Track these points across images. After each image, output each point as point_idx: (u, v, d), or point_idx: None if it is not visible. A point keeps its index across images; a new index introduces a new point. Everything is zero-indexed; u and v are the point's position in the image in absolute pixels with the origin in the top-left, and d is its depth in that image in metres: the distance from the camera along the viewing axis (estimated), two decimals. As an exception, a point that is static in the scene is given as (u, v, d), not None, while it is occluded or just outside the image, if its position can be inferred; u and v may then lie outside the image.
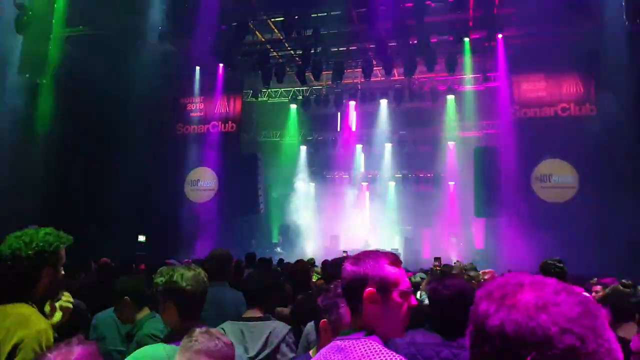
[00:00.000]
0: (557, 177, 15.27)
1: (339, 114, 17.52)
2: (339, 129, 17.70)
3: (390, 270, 1.62)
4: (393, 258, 1.67)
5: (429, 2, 13.73)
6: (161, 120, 16.59)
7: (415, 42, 14.68)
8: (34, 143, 12.80)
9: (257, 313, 2.89)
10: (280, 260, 11.01)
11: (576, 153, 14.49)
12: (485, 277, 6.30)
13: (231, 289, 3.73)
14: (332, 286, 2.12)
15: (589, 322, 0.77)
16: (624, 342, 2.95)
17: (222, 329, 2.70)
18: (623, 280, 6.27)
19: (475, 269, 6.54)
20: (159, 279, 2.18)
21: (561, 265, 3.76)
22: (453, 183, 17.46)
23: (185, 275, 2.17)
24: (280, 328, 2.79)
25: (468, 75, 15.99)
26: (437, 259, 11.35)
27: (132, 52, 14.40)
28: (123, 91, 14.24)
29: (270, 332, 2.76)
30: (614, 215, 12.95)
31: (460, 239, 17.09)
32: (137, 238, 16.40)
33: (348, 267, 1.65)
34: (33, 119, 12.93)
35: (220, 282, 3.65)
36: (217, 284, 3.53)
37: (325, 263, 5.63)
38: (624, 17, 12.34)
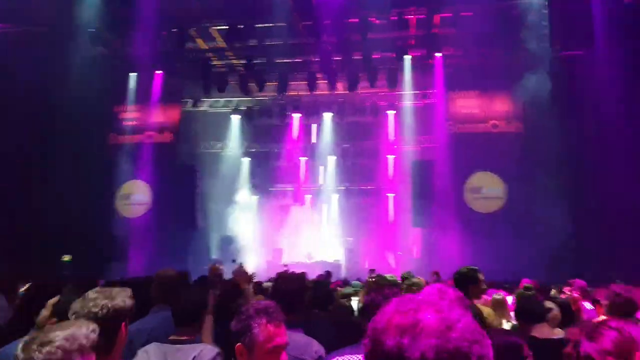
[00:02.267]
0: (487, 189, 16.26)
1: (283, 125, 17.30)
2: (282, 142, 17.46)
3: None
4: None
5: (372, 19, 14.09)
6: (92, 129, 15.32)
7: (359, 57, 14.98)
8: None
9: (183, 335, 2.72)
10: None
11: (504, 167, 15.58)
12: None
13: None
14: (243, 308, 2.09)
15: (480, 329, 0.88)
16: (537, 341, 3.27)
17: (146, 351, 2.54)
18: (525, 285, 6.84)
19: (412, 277, 6.66)
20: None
21: (475, 273, 3.90)
22: (393, 195, 17.93)
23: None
24: (207, 351, 2.60)
25: (408, 91, 16.58)
26: (371, 270, 11.55)
27: (61, 54, 13.22)
28: (51, 95, 13.03)
29: (195, 357, 2.56)
30: (536, 224, 14.09)
31: (398, 249, 17.56)
32: (62, 257, 14.97)
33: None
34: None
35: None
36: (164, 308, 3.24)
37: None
38: (549, 44, 13.58)
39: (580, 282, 6.18)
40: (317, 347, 2.73)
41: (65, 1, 12.29)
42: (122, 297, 2.07)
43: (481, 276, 3.88)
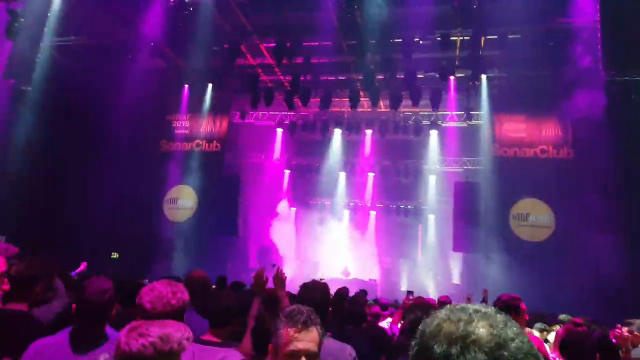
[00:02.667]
0: (534, 217, 15.56)
1: (324, 140, 17.64)
2: (323, 156, 17.78)
3: None
4: None
5: (417, 39, 14.16)
6: (145, 136, 16.47)
7: (402, 76, 15.04)
8: (13, 150, 12.53)
9: (214, 337, 2.79)
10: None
11: (553, 194, 14.89)
12: None
13: (197, 316, 3.45)
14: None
15: (536, 351, 0.84)
16: None
17: None
18: (574, 320, 6.30)
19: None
20: None
21: (517, 302, 3.80)
22: (433, 216, 17.62)
23: None
24: (231, 357, 2.65)
25: (452, 111, 16.39)
26: (409, 292, 11.12)
27: (122, 65, 14.41)
28: (109, 103, 14.16)
29: None
30: (587, 256, 13.27)
31: (438, 273, 17.14)
32: (111, 254, 16.00)
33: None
34: (14, 125, 12.70)
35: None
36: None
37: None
38: (601, 67, 12.97)
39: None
40: (350, 350, 2.81)
41: (127, 18, 13.41)
42: None
43: (523, 306, 3.80)
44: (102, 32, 13.52)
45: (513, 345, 0.81)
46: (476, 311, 0.87)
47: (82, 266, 8.55)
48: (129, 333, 1.67)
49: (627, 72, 12.77)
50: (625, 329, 5.90)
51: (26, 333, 2.67)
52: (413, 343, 0.89)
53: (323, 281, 10.01)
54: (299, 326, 1.97)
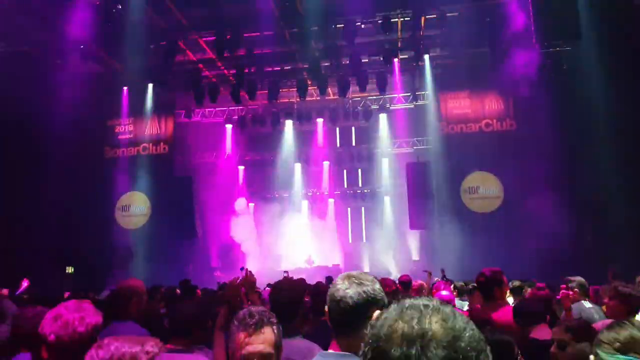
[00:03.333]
0: (484, 189, 16.16)
1: (276, 133, 17.48)
2: (276, 149, 17.63)
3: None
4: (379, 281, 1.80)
5: (359, 24, 14.16)
6: (87, 143, 15.66)
7: (348, 62, 15.06)
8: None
9: (177, 343, 2.78)
10: (220, 285, 10.69)
11: (500, 165, 15.51)
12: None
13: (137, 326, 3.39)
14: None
15: (484, 338, 0.87)
16: (538, 342, 3.23)
17: None
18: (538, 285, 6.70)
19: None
20: None
21: (500, 276, 3.96)
22: (388, 197, 17.95)
23: None
24: None
25: (398, 94, 16.62)
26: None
27: (52, 71, 13.56)
28: (44, 113, 13.33)
29: None
30: (534, 222, 13.97)
31: (397, 252, 17.55)
32: (65, 269, 15.31)
33: (356, 288, 1.71)
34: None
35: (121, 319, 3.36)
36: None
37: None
38: (534, 40, 13.49)
39: (579, 278, 5.98)
40: (319, 349, 2.81)
41: (53, 21, 12.57)
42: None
43: (505, 279, 3.97)
44: (26, 38, 12.61)
45: (467, 334, 0.83)
46: (425, 306, 0.87)
47: (25, 283, 8.10)
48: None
49: (557, 43, 13.31)
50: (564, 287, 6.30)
51: None
52: (366, 348, 0.87)
53: (287, 273, 9.94)
54: (250, 329, 1.97)
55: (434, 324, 0.83)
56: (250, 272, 3.64)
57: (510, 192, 15.54)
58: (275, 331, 2.01)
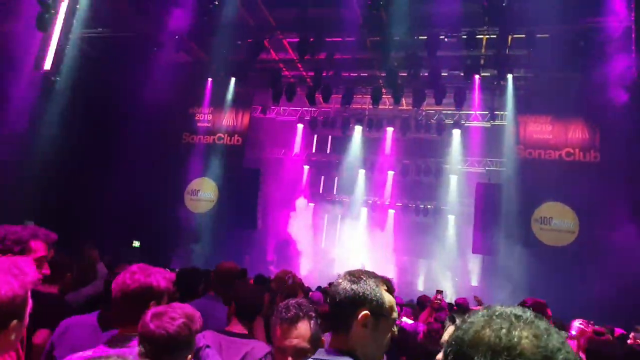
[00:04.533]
0: (557, 221, 15.21)
1: (345, 137, 17.59)
2: (343, 153, 17.73)
3: (387, 296, 1.65)
4: (390, 284, 1.71)
5: (442, 37, 13.94)
6: (169, 128, 16.72)
7: (426, 74, 14.85)
8: (40, 139, 12.91)
9: (239, 328, 2.82)
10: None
11: (578, 198, 14.52)
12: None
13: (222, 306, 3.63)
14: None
15: None
16: None
17: (204, 336, 2.62)
18: (596, 327, 6.15)
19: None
20: None
21: (543, 307, 3.81)
22: (453, 216, 17.40)
23: None
24: (259, 348, 2.69)
25: (475, 111, 16.12)
26: (439, 291, 10.82)
27: (146, 58, 14.63)
28: (133, 95, 14.42)
29: (247, 352, 2.66)
30: (609, 262, 12.91)
31: (456, 274, 16.94)
32: (132, 243, 16.37)
33: (347, 285, 1.64)
34: (42, 116, 13.06)
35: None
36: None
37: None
38: (634, 69, 12.52)
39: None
40: None
41: (154, 12, 13.57)
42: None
43: (549, 312, 3.77)
44: (129, 25, 13.73)
45: (560, 356, 0.77)
46: (517, 317, 0.82)
47: None
48: (157, 319, 1.81)
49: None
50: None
51: (56, 313, 2.85)
52: (447, 349, 0.84)
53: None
54: (285, 323, 2.00)
55: (523, 339, 0.78)
56: (296, 276, 3.76)
57: (586, 228, 14.52)
58: (312, 326, 2.01)
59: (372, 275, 1.69)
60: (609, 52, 12.84)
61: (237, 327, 2.83)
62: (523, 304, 3.74)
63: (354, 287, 1.62)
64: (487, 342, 0.79)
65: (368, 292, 1.61)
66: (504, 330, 0.79)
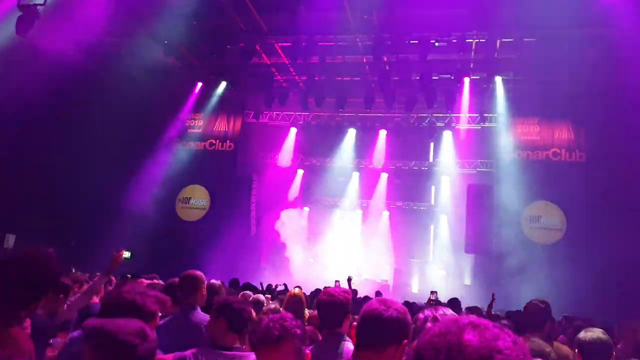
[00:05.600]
0: (546, 219, 15.64)
1: (338, 141, 17.64)
2: (337, 156, 17.74)
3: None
4: None
5: (433, 41, 14.19)
6: (159, 134, 16.41)
7: (417, 77, 15.09)
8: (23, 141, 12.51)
9: (235, 342, 2.80)
10: (270, 286, 10.87)
11: (565, 197, 14.99)
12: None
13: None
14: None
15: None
16: None
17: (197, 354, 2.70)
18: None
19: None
20: None
21: (543, 306, 3.76)
22: (445, 217, 17.64)
23: None
24: None
25: (466, 114, 16.45)
26: (433, 292, 11.04)
27: (135, 63, 14.34)
28: (122, 100, 14.09)
29: None
30: (596, 258, 13.35)
31: (449, 274, 17.14)
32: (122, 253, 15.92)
33: (393, 313, 1.85)
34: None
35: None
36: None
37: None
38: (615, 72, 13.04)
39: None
40: None
41: (142, 16, 13.32)
42: None
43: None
44: (117, 29, 13.43)
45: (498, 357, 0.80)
46: (469, 324, 0.87)
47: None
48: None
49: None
50: None
51: None
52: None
53: (338, 283, 9.88)
54: (263, 344, 1.95)
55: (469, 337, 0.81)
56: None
57: (573, 226, 14.98)
58: (297, 342, 1.97)
59: (397, 302, 1.95)
60: (592, 56, 13.32)
61: (232, 341, 2.82)
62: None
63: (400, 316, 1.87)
64: (435, 345, 0.85)
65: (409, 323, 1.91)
66: (452, 334, 0.86)
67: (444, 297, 13.30)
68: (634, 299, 12.15)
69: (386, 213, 18.04)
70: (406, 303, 7.16)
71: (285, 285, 12.11)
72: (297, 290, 4.74)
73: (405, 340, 1.83)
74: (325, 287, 4.11)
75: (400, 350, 1.83)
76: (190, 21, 13.72)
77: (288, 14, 13.83)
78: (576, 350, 3.13)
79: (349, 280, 8.93)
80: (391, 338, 1.83)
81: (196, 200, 17.09)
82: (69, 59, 12.44)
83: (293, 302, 4.52)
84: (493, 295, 10.22)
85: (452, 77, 15.24)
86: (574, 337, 3.70)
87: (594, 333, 3.05)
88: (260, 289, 9.37)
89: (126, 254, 16.13)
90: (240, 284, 8.53)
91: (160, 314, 2.37)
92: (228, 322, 2.76)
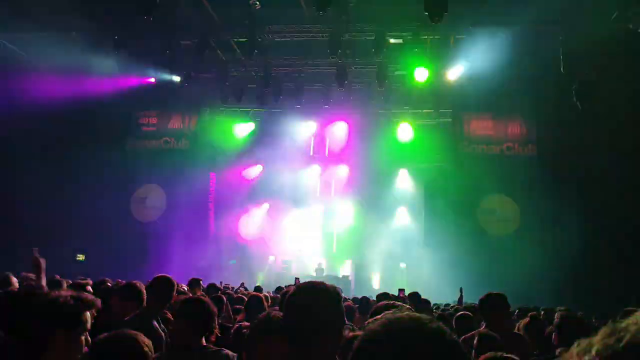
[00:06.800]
0: (500, 212, 16.03)
1: (297, 135, 17.52)
2: (296, 151, 17.55)
3: None
4: None
5: (388, 37, 14.21)
6: (111, 133, 15.85)
7: (375, 71, 15.10)
8: None
9: (199, 341, 2.77)
10: (227, 286, 10.73)
11: (518, 189, 15.41)
12: None
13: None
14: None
15: None
16: None
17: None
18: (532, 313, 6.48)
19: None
20: None
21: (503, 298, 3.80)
22: (405, 209, 17.80)
23: None
24: (231, 357, 2.71)
25: (421, 109, 16.64)
26: (401, 290, 10.96)
27: (84, 59, 13.81)
28: (71, 99, 13.57)
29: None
30: (548, 248, 13.82)
31: (409, 268, 17.31)
32: (75, 256, 15.39)
33: None
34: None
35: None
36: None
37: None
38: (561, 69, 13.43)
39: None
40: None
41: (86, 9, 12.80)
42: None
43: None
44: (65, 24, 12.87)
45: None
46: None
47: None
48: None
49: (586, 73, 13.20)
50: None
51: None
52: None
53: (298, 280, 9.86)
54: (268, 335, 1.94)
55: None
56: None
57: (526, 218, 15.41)
58: (280, 338, 1.89)
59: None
60: (539, 50, 13.68)
61: (196, 341, 2.78)
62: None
63: None
64: None
65: None
66: None
67: (407, 291, 13.46)
68: (586, 287, 12.69)
69: (346, 207, 18.03)
70: (363, 298, 7.15)
71: (242, 284, 11.98)
72: (257, 290, 4.68)
73: None
74: (287, 286, 4.02)
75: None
76: (139, 16, 13.27)
77: (242, 8, 13.58)
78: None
79: None
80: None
81: (152, 199, 16.64)
82: None
83: (255, 302, 4.46)
84: (461, 289, 10.48)
85: (405, 73, 15.32)
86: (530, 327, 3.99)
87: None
88: (220, 288, 9.19)
89: (80, 257, 15.64)
90: (201, 283, 8.33)
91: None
92: (191, 321, 2.74)
